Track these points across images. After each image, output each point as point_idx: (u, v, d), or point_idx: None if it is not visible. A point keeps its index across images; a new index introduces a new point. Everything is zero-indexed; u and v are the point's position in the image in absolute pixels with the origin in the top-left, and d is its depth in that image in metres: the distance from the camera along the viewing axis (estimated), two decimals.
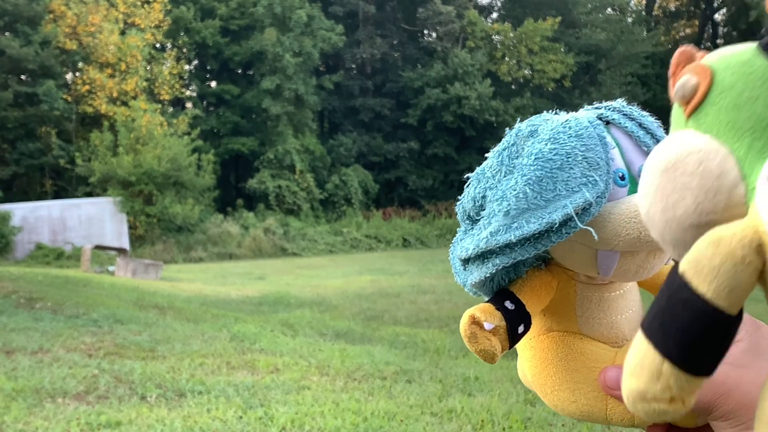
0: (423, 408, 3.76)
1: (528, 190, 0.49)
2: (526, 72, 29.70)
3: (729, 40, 35.50)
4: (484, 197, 0.53)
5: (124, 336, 5.51)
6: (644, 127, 0.53)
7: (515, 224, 0.48)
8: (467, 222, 0.56)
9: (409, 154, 29.14)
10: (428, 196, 28.71)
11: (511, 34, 29.27)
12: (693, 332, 0.38)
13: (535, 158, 0.50)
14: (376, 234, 24.41)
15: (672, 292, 0.38)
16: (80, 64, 22.71)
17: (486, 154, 0.57)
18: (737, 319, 0.38)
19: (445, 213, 27.22)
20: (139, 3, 23.70)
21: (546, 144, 0.50)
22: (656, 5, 37.17)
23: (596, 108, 0.56)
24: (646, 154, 0.52)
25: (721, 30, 36.14)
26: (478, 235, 0.51)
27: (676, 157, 0.39)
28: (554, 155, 0.49)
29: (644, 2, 36.89)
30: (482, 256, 0.50)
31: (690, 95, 0.41)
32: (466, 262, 0.52)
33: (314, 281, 12.30)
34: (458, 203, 0.58)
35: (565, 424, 3.55)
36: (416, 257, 18.32)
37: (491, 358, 0.50)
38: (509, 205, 0.49)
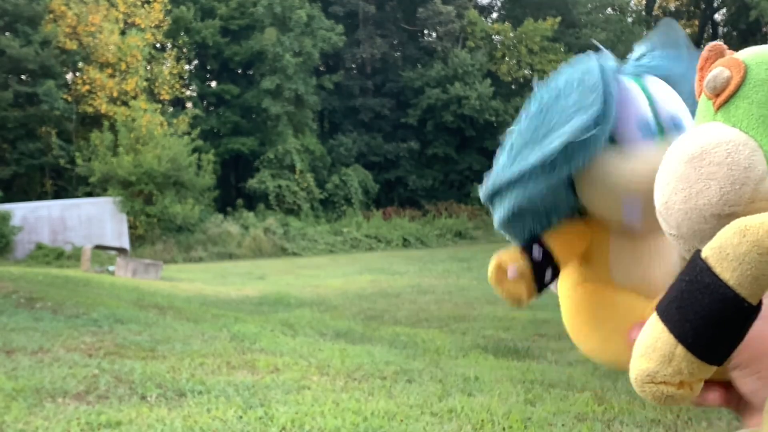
0: (423, 408, 3.76)
1: (523, 127, 0.50)
2: (526, 72, 29.71)
3: (729, 40, 35.47)
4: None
5: (125, 336, 5.51)
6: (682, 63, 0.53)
7: (517, 159, 0.50)
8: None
9: (409, 154, 29.14)
10: (428, 196, 28.71)
11: (511, 34, 29.28)
12: (711, 318, 0.37)
13: (535, 97, 0.51)
14: (376, 234, 24.41)
15: (693, 276, 0.38)
16: (80, 64, 22.71)
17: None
18: (756, 309, 0.38)
19: (445, 213, 27.22)
20: (139, 3, 23.70)
21: (549, 81, 0.52)
22: (656, 5, 37.16)
23: (641, 55, 0.56)
24: (687, 93, 0.51)
25: (721, 30, 36.13)
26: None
27: (703, 147, 0.39)
28: (551, 88, 0.50)
29: (644, 2, 36.89)
30: (498, 194, 0.52)
31: (721, 87, 0.41)
32: (489, 204, 0.54)
33: (314, 281, 12.31)
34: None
35: (565, 424, 3.55)
36: (416, 257, 18.32)
37: (518, 302, 0.51)
38: (510, 142, 0.51)
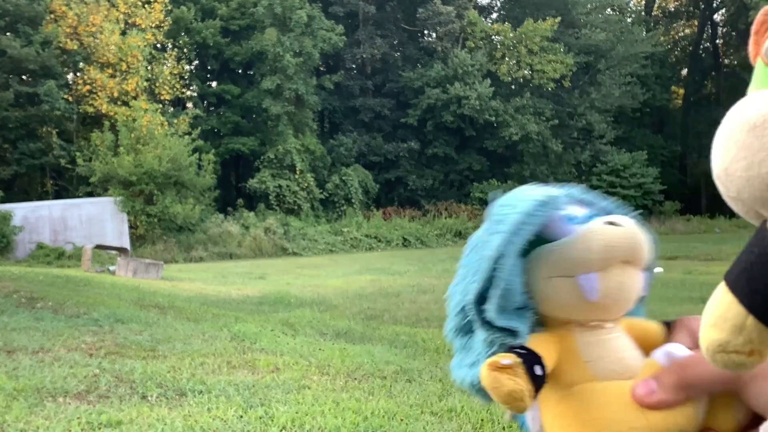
0: (423, 407, 3.77)
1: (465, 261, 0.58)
2: (525, 72, 29.72)
3: (728, 41, 35.47)
4: (461, 303, 0.59)
5: (125, 335, 5.52)
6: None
7: (477, 274, 0.55)
8: (459, 338, 0.61)
9: (409, 154, 29.16)
10: (428, 196, 28.73)
11: (511, 35, 29.29)
12: None
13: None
14: (376, 234, 24.43)
15: (762, 248, 0.38)
16: (81, 64, 22.73)
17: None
18: None
19: (445, 213, 27.24)
20: (139, 3, 23.72)
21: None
22: (655, 5, 37.17)
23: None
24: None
25: (720, 30, 36.13)
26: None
27: (765, 115, 0.38)
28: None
29: (643, 2, 36.89)
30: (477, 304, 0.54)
31: None
32: (480, 304, 0.55)
33: (314, 281, 12.32)
34: (445, 329, 0.63)
35: None
36: (416, 257, 18.33)
37: (521, 401, 0.48)
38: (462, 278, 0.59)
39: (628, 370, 0.54)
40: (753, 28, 0.43)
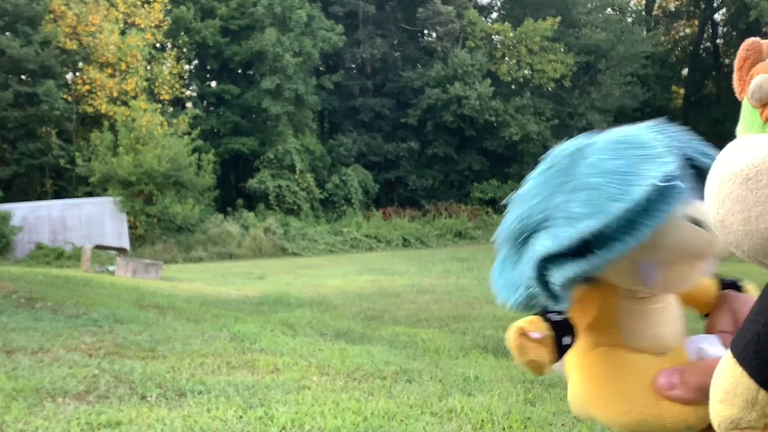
0: (423, 408, 3.76)
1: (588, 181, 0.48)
2: (525, 72, 29.70)
3: (729, 40, 35.47)
4: (529, 216, 0.52)
5: (125, 336, 5.51)
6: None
7: (601, 212, 0.47)
8: (509, 246, 0.55)
9: (409, 154, 29.14)
10: (428, 196, 28.71)
11: (511, 34, 29.28)
12: None
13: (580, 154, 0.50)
14: (376, 234, 24.41)
15: None
16: (80, 64, 22.72)
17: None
18: None
19: (445, 213, 27.23)
20: (139, 3, 23.71)
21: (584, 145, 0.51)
22: (656, 5, 37.15)
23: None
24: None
25: (720, 30, 36.12)
26: (565, 231, 0.49)
27: (757, 166, 0.36)
28: (597, 148, 0.50)
29: (644, 2, 36.88)
30: (578, 252, 0.48)
31: None
32: (550, 260, 0.49)
33: (314, 281, 12.31)
34: (498, 231, 0.56)
35: (565, 424, 3.55)
36: (416, 257, 18.32)
37: (540, 369, 0.49)
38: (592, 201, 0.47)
39: (659, 346, 0.53)
40: (736, 63, 0.41)
